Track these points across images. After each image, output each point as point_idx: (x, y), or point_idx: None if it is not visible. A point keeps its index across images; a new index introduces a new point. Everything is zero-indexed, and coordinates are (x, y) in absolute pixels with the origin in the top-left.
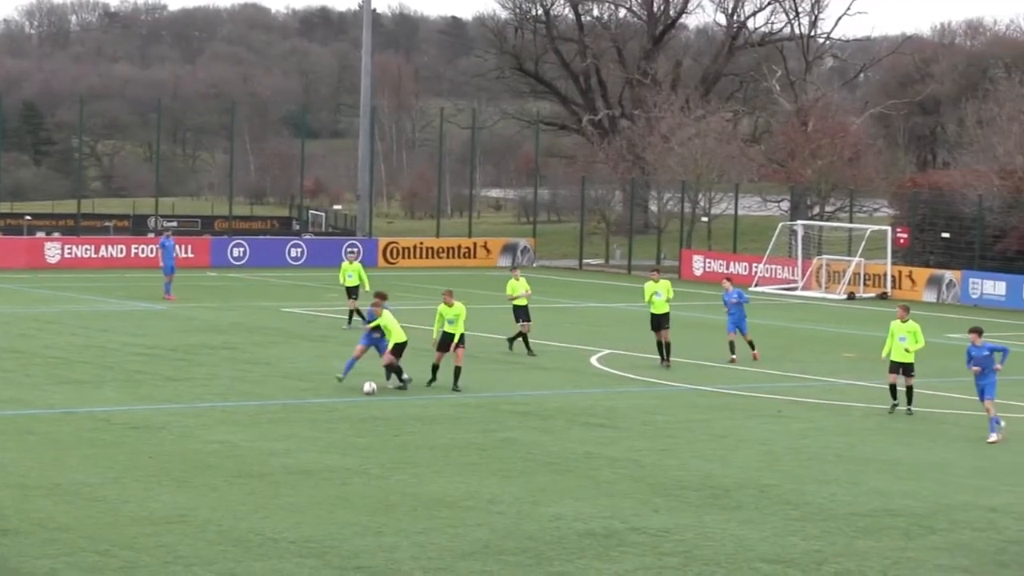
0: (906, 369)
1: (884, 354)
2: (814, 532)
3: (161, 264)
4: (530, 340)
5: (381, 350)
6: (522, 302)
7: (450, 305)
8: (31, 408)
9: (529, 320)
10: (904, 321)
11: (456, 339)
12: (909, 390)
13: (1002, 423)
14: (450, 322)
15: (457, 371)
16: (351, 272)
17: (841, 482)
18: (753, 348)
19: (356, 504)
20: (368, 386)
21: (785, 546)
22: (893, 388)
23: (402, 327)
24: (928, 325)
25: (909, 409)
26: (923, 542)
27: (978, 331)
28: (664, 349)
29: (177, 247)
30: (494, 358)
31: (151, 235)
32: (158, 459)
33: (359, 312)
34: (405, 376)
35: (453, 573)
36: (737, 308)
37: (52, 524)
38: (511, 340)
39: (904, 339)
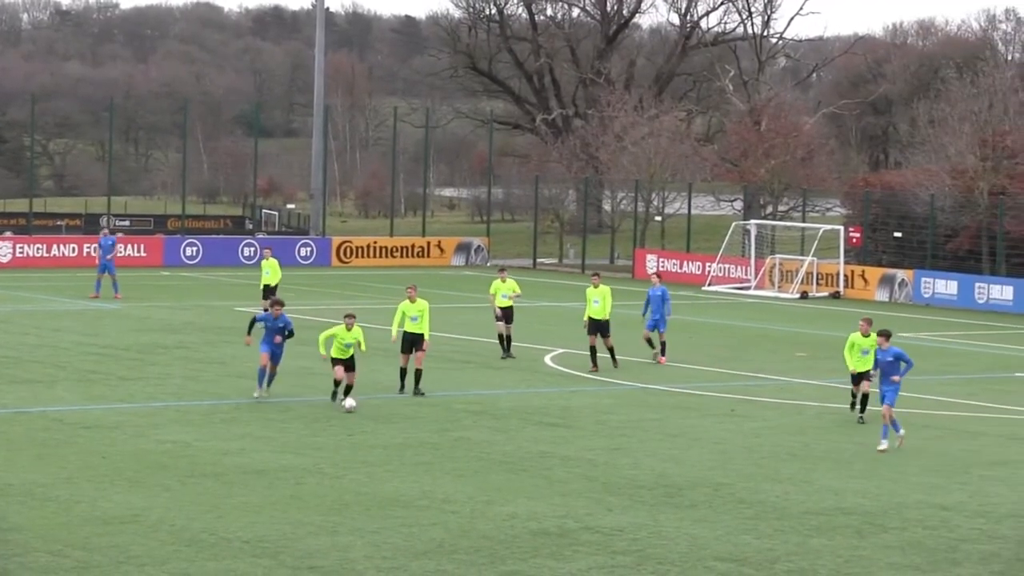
0: (867, 376)
1: (850, 367)
2: (767, 531)
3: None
4: (502, 342)
5: (275, 358)
6: (503, 303)
7: (413, 301)
8: None
9: (510, 322)
10: (866, 335)
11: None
12: (865, 397)
13: (901, 431)
14: (413, 319)
15: (418, 374)
16: (268, 269)
17: (794, 481)
18: (663, 351)
19: (310, 503)
20: (349, 403)
21: (738, 544)
22: (854, 397)
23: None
24: (880, 324)
25: (862, 416)
26: (876, 540)
27: (886, 335)
28: (610, 353)
29: (122, 246)
30: (448, 357)
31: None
32: (111, 459)
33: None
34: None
35: (407, 572)
36: (660, 305)
37: (4, 524)
38: (502, 344)
39: (867, 352)
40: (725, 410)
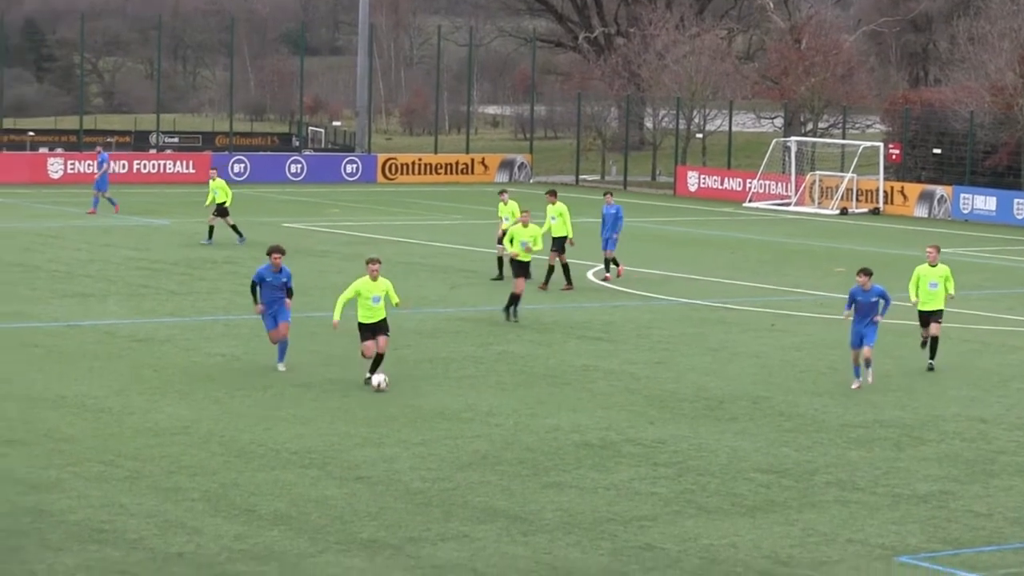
0: (936, 316)
1: (912, 299)
2: (806, 443)
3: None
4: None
5: (281, 318)
6: (506, 226)
7: (527, 226)
8: (36, 321)
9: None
10: (934, 265)
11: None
12: (934, 342)
13: (871, 376)
14: (524, 244)
15: (518, 298)
16: (217, 189)
17: (833, 394)
18: (614, 266)
19: (357, 416)
20: (378, 379)
21: (778, 456)
22: (926, 342)
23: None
24: (920, 240)
25: (931, 364)
26: (914, 452)
27: (868, 273)
28: (564, 271)
29: (172, 163)
30: (490, 272)
31: (153, 151)
32: (162, 372)
33: (236, 229)
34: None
35: (452, 483)
36: (612, 223)
37: (58, 435)
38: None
39: (935, 285)
40: (765, 325)
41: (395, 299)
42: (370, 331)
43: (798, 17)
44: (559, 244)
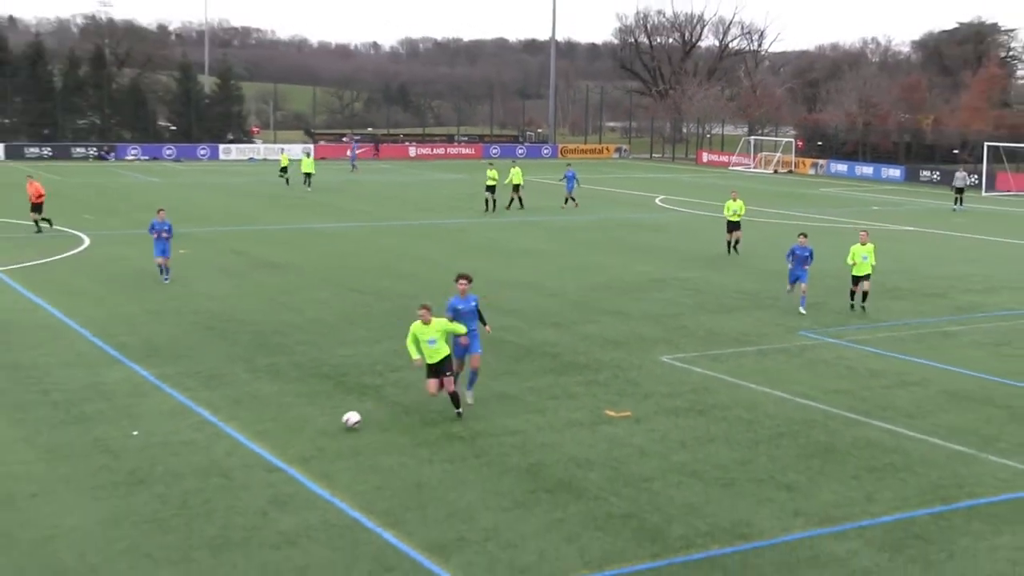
0: (865, 278)
1: (849, 262)
2: (759, 280)
3: (349, 155)
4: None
5: (472, 350)
6: (491, 183)
7: (735, 200)
8: (394, 221)
9: (492, 193)
10: (864, 244)
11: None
12: (865, 294)
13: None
14: (734, 211)
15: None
16: (304, 163)
17: (778, 258)
18: (570, 202)
19: (545, 268)
20: (352, 417)
21: (743, 286)
22: (853, 294)
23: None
24: (808, 185)
25: (864, 306)
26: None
27: (804, 235)
28: (519, 201)
29: (463, 148)
30: (614, 199)
31: (455, 143)
32: (460, 245)
33: (309, 179)
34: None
35: (589, 297)
36: (570, 181)
37: (399, 292)
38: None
39: (865, 258)
40: (746, 225)
41: (441, 345)
42: (433, 370)
43: (756, 80)
44: (516, 188)
